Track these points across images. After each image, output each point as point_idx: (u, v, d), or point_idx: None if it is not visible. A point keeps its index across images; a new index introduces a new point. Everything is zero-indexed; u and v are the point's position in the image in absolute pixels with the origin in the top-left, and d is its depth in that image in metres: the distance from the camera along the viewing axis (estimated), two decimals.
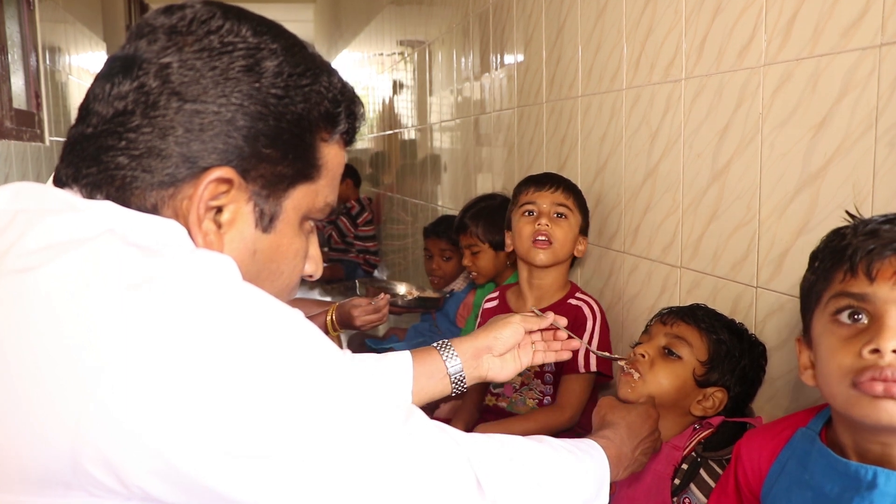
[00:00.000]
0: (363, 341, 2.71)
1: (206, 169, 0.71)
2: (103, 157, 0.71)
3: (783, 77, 1.22)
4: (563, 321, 1.24)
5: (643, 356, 1.27)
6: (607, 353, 1.28)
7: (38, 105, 3.54)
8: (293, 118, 0.74)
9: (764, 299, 1.30)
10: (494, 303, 1.87)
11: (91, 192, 0.71)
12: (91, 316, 0.60)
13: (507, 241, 1.79)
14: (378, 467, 0.68)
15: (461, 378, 1.16)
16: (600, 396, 1.61)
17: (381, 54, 4.71)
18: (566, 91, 2.01)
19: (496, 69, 2.55)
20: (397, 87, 4.32)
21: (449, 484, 0.75)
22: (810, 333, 0.90)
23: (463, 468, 0.77)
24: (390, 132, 4.61)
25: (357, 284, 2.85)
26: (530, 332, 1.22)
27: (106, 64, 0.74)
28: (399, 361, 1.14)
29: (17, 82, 3.34)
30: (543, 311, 1.27)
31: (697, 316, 1.29)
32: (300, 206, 0.78)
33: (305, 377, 0.65)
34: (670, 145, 1.54)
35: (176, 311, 0.61)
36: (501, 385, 1.78)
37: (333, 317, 2.05)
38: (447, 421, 1.69)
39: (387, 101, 4.67)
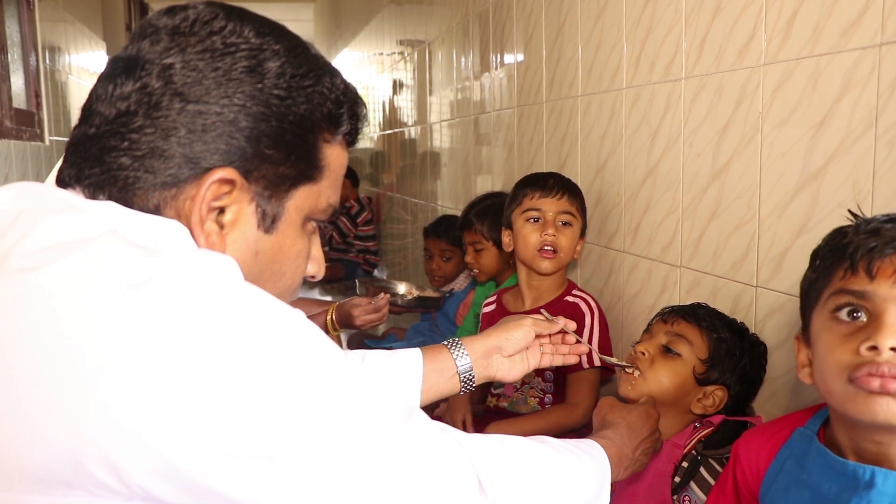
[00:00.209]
0: (363, 341, 2.71)
1: (208, 170, 0.71)
2: (106, 157, 0.71)
3: (783, 76, 1.22)
4: (572, 325, 1.24)
5: (643, 354, 1.28)
6: (614, 359, 1.29)
7: (38, 105, 3.54)
8: (296, 119, 0.74)
9: (764, 299, 1.30)
10: (492, 307, 1.87)
11: (94, 192, 0.72)
12: (91, 316, 0.60)
13: (506, 239, 1.77)
14: (379, 468, 0.68)
15: (471, 377, 1.16)
16: (601, 394, 1.61)
17: (381, 54, 4.71)
18: (566, 90, 2.02)
19: (496, 68, 2.55)
20: (397, 86, 4.32)
21: (451, 484, 0.75)
22: (809, 331, 0.90)
23: (465, 469, 0.77)
24: (390, 132, 4.62)
25: (357, 284, 2.85)
26: (540, 336, 1.23)
27: (109, 64, 0.74)
28: (410, 358, 1.15)
29: (17, 82, 3.34)
30: (542, 309, 1.28)
31: (698, 314, 1.30)
32: (302, 206, 0.78)
33: (306, 378, 0.65)
34: (670, 145, 1.55)
35: (176, 310, 0.61)
36: (502, 385, 1.78)
37: (333, 316, 2.05)
38: (441, 418, 1.70)
39: (387, 101, 4.67)
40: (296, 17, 8.38)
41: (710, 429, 1.23)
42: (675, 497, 1.20)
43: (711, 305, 1.34)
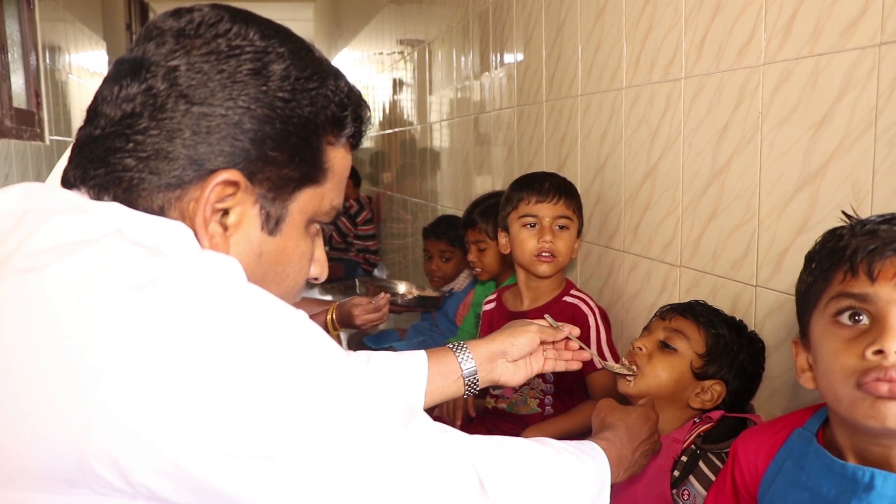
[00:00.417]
0: (362, 340, 2.72)
1: (212, 171, 0.71)
2: (111, 158, 0.71)
3: (783, 76, 1.22)
4: (576, 332, 1.25)
5: (640, 349, 1.29)
6: (615, 366, 1.30)
7: (38, 104, 3.54)
8: (300, 121, 0.75)
9: (763, 298, 1.31)
10: (492, 305, 1.87)
11: (98, 193, 0.72)
12: (92, 316, 0.60)
13: (503, 240, 1.76)
14: (381, 468, 0.69)
15: (475, 380, 1.17)
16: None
17: (381, 53, 4.71)
18: (566, 90, 2.02)
19: (496, 68, 2.56)
20: (397, 86, 4.32)
21: (452, 485, 0.75)
22: (808, 336, 0.88)
23: (466, 470, 0.77)
24: (390, 131, 4.62)
25: (357, 283, 2.86)
26: (544, 342, 1.23)
27: (114, 66, 0.75)
28: (414, 360, 1.15)
29: (17, 81, 3.34)
30: (542, 310, 1.28)
31: (696, 311, 1.31)
32: (306, 209, 0.78)
33: (308, 378, 0.65)
34: (670, 144, 1.55)
35: (179, 311, 0.61)
36: (501, 386, 1.78)
37: (334, 316, 2.05)
38: (441, 418, 1.70)
39: (387, 101, 4.67)
40: (296, 16, 8.37)
41: (710, 424, 1.24)
42: (674, 491, 1.21)
43: (711, 305, 1.35)
